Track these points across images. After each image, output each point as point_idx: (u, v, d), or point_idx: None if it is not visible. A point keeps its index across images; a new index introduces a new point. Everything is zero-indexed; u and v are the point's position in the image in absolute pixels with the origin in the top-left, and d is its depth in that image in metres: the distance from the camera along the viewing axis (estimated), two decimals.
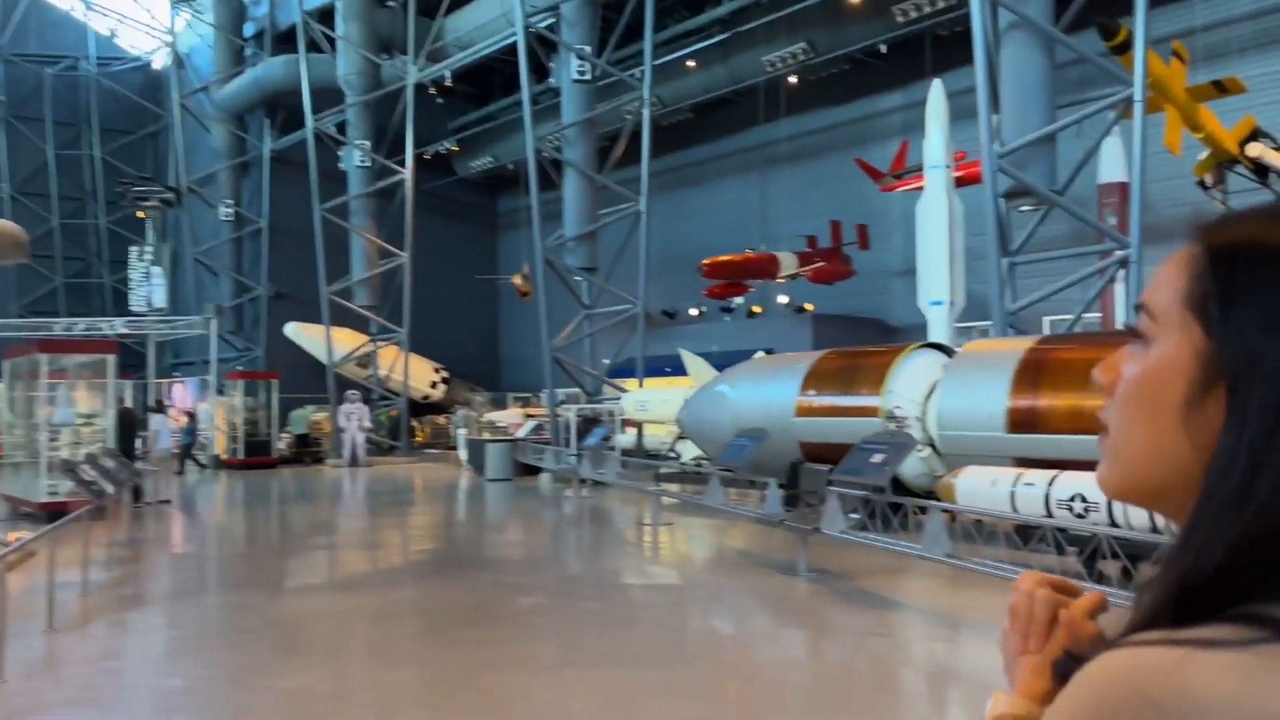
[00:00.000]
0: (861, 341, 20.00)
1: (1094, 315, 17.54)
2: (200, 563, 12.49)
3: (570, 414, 20.59)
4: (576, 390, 24.19)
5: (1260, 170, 19.30)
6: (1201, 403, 0.75)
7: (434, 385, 33.51)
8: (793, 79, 26.01)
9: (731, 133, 30.13)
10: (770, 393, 14.67)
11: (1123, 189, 17.90)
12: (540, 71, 26.12)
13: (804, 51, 24.28)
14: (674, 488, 16.10)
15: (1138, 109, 15.13)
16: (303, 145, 30.59)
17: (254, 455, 25.97)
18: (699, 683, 6.50)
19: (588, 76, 22.50)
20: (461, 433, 26.53)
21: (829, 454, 13.62)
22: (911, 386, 13.18)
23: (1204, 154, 19.17)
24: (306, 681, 6.61)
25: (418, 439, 32.64)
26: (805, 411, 14.01)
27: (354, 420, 26.57)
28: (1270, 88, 20.36)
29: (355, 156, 30.58)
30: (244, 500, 19.64)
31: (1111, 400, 0.81)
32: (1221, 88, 18.38)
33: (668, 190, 30.02)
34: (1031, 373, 11.78)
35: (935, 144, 16.85)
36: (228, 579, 11.18)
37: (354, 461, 26.13)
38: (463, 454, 25.07)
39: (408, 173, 29.02)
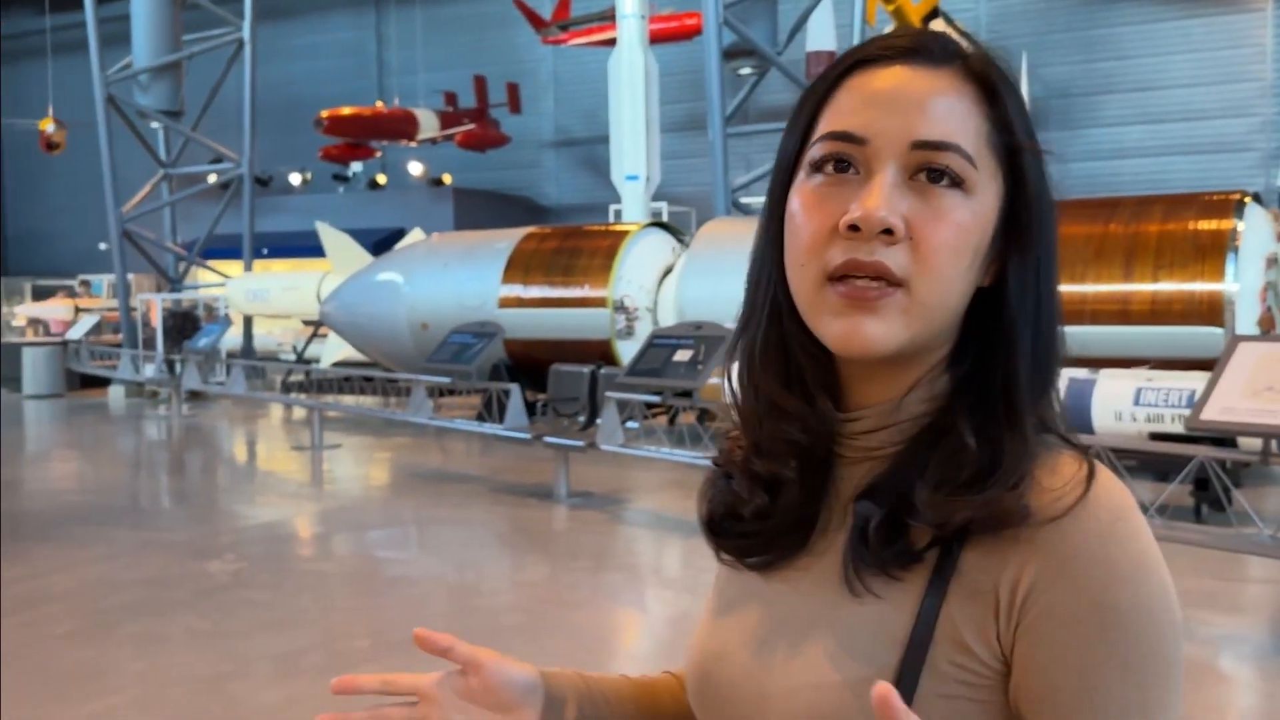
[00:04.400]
0: (509, 222, 19.11)
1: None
2: None
3: (156, 307, 17.65)
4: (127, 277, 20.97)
5: None
6: (990, 246, 0.87)
7: None
8: None
9: None
10: (461, 281, 13.34)
11: (831, 59, 18.37)
12: None
13: None
14: (303, 398, 14.32)
15: None
16: None
17: None
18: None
19: None
20: None
21: (542, 353, 12.71)
22: (642, 273, 12.57)
23: (889, 28, 20.19)
24: None
25: None
26: (512, 304, 12.89)
27: None
28: None
29: None
30: None
31: (900, 246, 0.82)
32: None
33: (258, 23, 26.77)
34: None
35: None
36: None
37: None
38: None
39: None
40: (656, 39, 19.21)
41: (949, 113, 0.85)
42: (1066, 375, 8.16)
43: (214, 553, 7.75)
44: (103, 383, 18.51)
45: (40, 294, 27.35)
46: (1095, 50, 22.45)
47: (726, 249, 12.19)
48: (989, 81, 0.87)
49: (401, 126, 22.99)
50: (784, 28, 15.89)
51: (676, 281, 12.12)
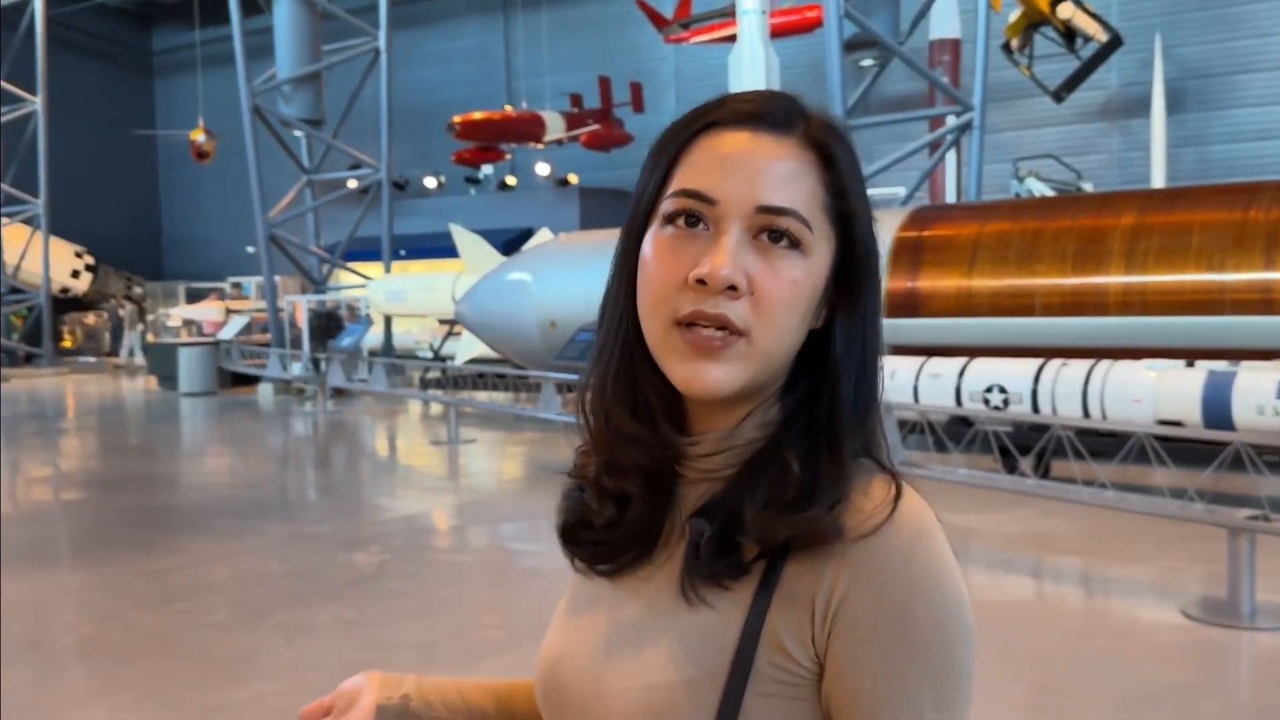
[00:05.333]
0: None
1: (888, 190, 17.57)
2: None
3: (301, 308, 18.31)
4: (274, 280, 21.72)
5: (1069, 35, 20.04)
6: (821, 295, 0.96)
7: (76, 274, 29.33)
8: None
9: None
10: (588, 280, 13.45)
11: (955, 46, 17.98)
12: None
13: None
14: (440, 394, 14.68)
15: None
16: None
17: None
18: None
19: None
20: (135, 335, 23.28)
21: None
22: None
23: (1015, 13, 19.60)
24: None
25: (66, 344, 28.54)
26: None
27: None
28: None
29: None
30: None
31: (742, 300, 0.91)
32: None
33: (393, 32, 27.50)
34: (910, 251, 11.40)
35: None
36: None
37: None
38: (133, 358, 21.99)
39: None
40: (777, 33, 19.08)
41: (789, 179, 0.93)
42: (1205, 368, 7.87)
43: (359, 544, 8.02)
44: (252, 380, 19.30)
45: (193, 296, 28.67)
46: (1234, 28, 21.42)
47: None
48: (826, 149, 0.96)
49: (529, 129, 23.32)
50: (905, 17, 15.59)
51: None
